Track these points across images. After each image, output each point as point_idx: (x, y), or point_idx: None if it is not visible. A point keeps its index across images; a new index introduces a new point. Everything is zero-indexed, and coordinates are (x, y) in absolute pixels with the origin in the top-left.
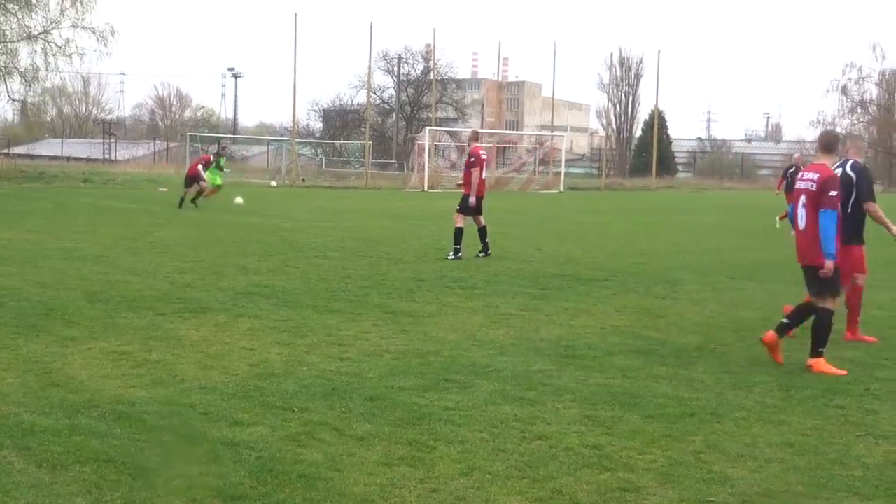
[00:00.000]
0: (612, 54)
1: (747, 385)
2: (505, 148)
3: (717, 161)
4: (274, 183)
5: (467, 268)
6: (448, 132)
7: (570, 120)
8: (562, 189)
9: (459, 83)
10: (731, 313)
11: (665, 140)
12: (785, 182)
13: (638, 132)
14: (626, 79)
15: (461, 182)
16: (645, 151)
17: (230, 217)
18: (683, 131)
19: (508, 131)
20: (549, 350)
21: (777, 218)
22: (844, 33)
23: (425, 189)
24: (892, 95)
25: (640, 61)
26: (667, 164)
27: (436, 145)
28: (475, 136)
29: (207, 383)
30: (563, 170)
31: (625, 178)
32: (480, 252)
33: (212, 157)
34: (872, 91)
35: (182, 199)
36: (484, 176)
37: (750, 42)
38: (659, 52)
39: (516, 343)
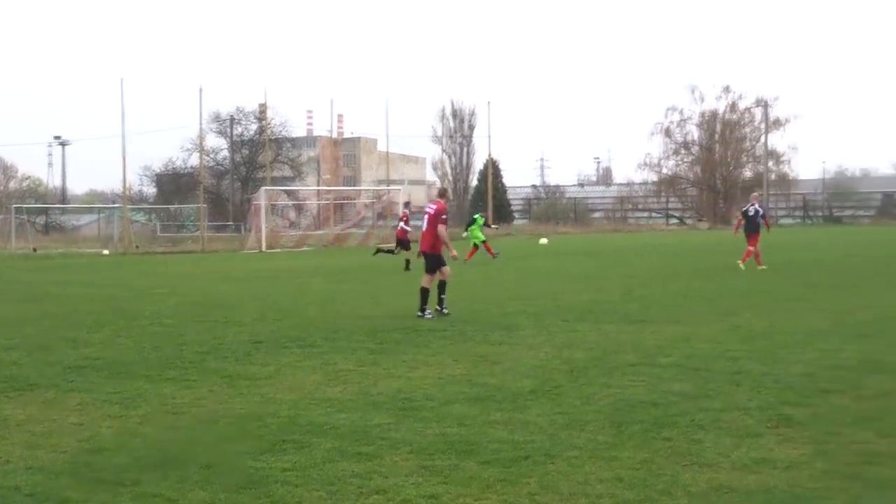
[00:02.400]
0: (444, 107)
1: (580, 424)
2: (343, 204)
3: (551, 207)
4: (106, 251)
5: (305, 326)
6: (285, 191)
7: (406, 173)
8: None
9: (294, 141)
10: (564, 354)
11: (501, 188)
12: (743, 223)
13: (474, 182)
14: (459, 130)
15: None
16: (481, 201)
17: (60, 289)
18: (518, 179)
19: (346, 187)
20: (387, 403)
21: (739, 262)
22: (665, 78)
23: (263, 249)
24: (713, 135)
25: (473, 112)
26: (503, 211)
27: (273, 205)
28: (441, 193)
29: (34, 463)
30: (401, 223)
31: (463, 229)
32: (437, 308)
33: None
34: (694, 132)
35: None
36: (422, 230)
37: (578, 90)
38: (489, 103)
39: (354, 399)
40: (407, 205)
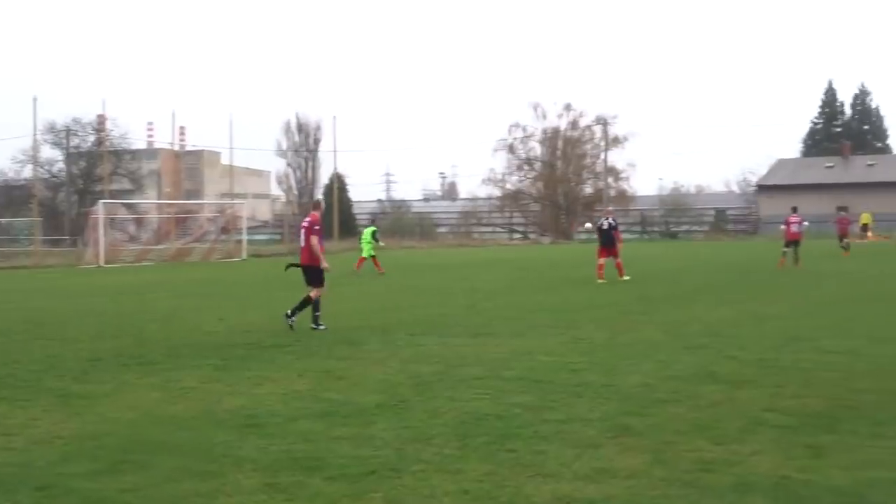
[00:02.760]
0: (289, 120)
1: (426, 438)
2: (185, 218)
3: (397, 221)
4: None
5: (146, 343)
6: (124, 204)
7: (250, 187)
8: (244, 256)
9: (134, 154)
10: (410, 369)
11: (346, 203)
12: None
13: (320, 196)
14: (304, 144)
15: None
16: (327, 215)
17: None
18: (364, 194)
19: (188, 201)
20: (231, 420)
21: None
22: (509, 95)
23: (102, 264)
24: (555, 152)
25: (318, 126)
26: (349, 226)
27: (111, 218)
28: (315, 205)
29: None
30: (244, 237)
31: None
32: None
33: None
34: (537, 149)
35: None
36: (300, 244)
37: (423, 105)
38: (335, 117)
39: (197, 416)
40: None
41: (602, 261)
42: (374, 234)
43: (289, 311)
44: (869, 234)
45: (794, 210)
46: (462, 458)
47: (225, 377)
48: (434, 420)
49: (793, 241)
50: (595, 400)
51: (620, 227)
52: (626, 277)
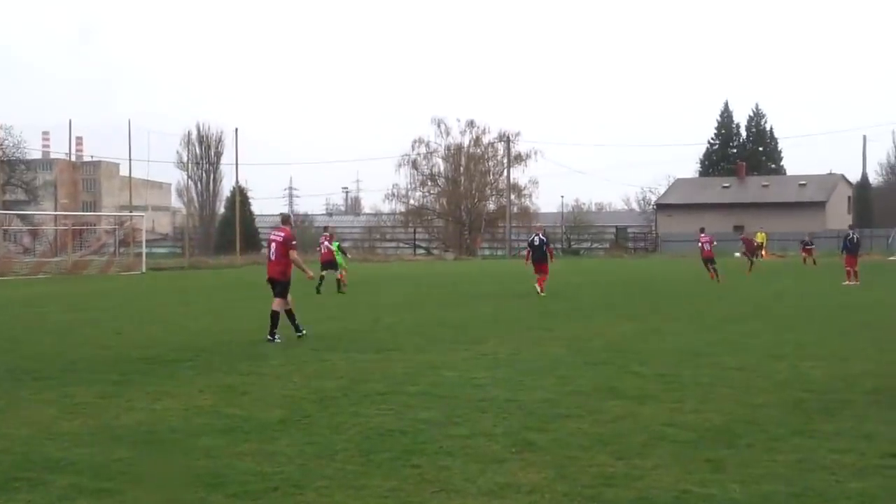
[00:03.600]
0: (189, 132)
1: (329, 453)
2: (83, 230)
3: (300, 235)
4: None
5: (41, 357)
6: (18, 215)
7: (150, 199)
8: (144, 270)
9: (29, 164)
10: (314, 384)
11: (249, 216)
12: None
13: (221, 209)
14: (206, 157)
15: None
16: (229, 228)
17: None
18: (267, 207)
19: (85, 213)
20: (130, 437)
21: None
22: (413, 110)
23: None
24: (458, 168)
25: (220, 139)
26: (252, 240)
27: (5, 230)
28: (284, 220)
29: None
30: (144, 250)
31: (210, 256)
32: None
33: None
34: (440, 164)
35: None
36: (270, 257)
37: (328, 119)
38: (236, 129)
39: (94, 433)
40: (326, 228)
41: (545, 275)
42: (339, 247)
43: (268, 336)
44: (763, 252)
45: (702, 230)
46: (366, 473)
47: (123, 392)
48: (338, 436)
49: (707, 259)
50: (499, 415)
51: (522, 245)
52: (543, 294)
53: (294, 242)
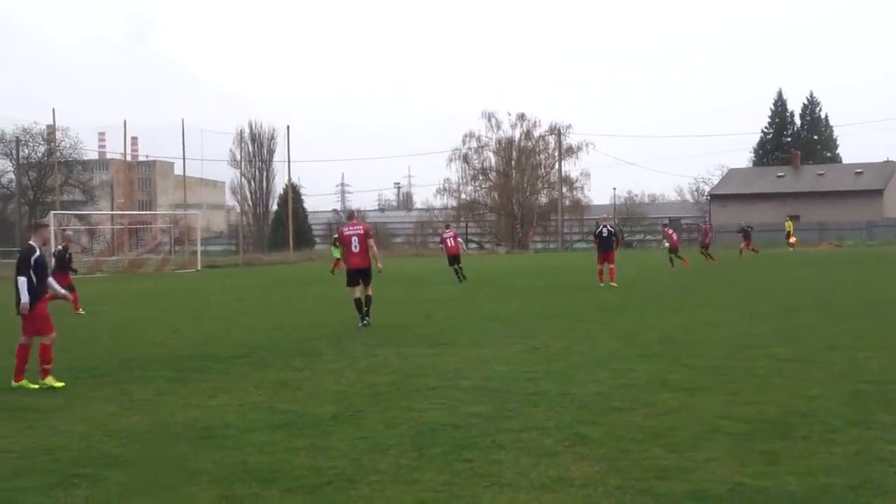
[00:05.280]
0: (242, 130)
1: (382, 448)
2: (139, 229)
3: None
4: None
5: (99, 355)
6: (76, 215)
7: (204, 197)
8: (199, 268)
9: (86, 164)
10: (366, 379)
11: (301, 213)
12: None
13: (274, 207)
14: (258, 154)
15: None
16: (282, 225)
17: None
18: (319, 204)
19: (141, 212)
20: (185, 433)
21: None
22: (463, 105)
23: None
24: (509, 162)
25: (272, 136)
26: (304, 236)
27: (63, 230)
28: (350, 215)
29: None
30: (199, 248)
31: (263, 254)
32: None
33: None
34: (491, 158)
35: None
36: (354, 250)
37: (378, 115)
38: (288, 127)
39: (151, 429)
40: (448, 226)
41: (601, 266)
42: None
43: (362, 321)
44: (793, 240)
45: (666, 225)
46: (418, 468)
47: (179, 389)
48: (390, 430)
49: (673, 250)
50: (551, 409)
51: (575, 237)
52: (615, 284)
53: (372, 234)
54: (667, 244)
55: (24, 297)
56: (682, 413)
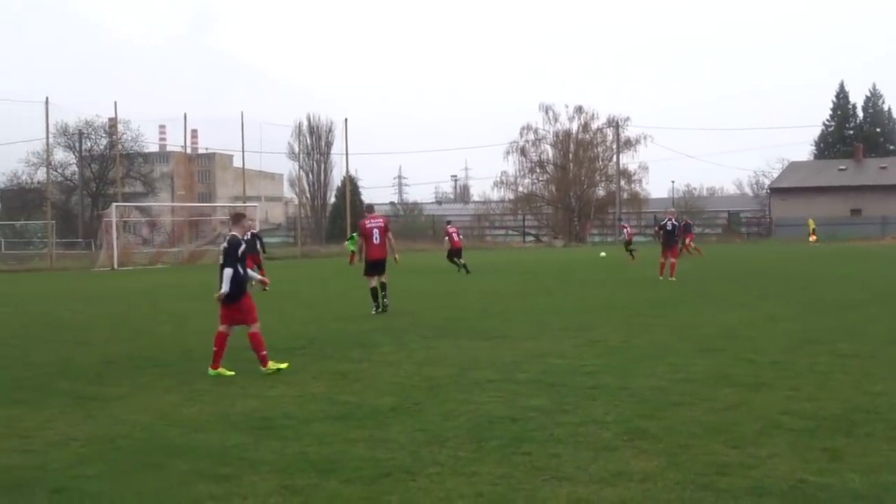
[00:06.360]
0: (300, 122)
1: (440, 440)
2: (198, 221)
3: (410, 224)
4: None
5: (160, 346)
6: (137, 207)
7: (263, 190)
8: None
9: (147, 157)
10: (424, 371)
11: (359, 205)
12: (662, 235)
13: (332, 199)
14: (316, 147)
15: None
16: (340, 218)
17: None
18: (377, 196)
19: (201, 204)
20: (245, 423)
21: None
22: (520, 97)
23: (115, 267)
24: (567, 155)
25: (330, 129)
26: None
27: (125, 221)
28: (369, 209)
29: None
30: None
31: (321, 245)
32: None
33: None
34: (548, 151)
35: None
36: (375, 242)
37: (435, 107)
38: (346, 119)
39: (212, 419)
40: (450, 223)
41: (663, 260)
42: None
43: (377, 308)
44: (812, 238)
45: (620, 219)
46: (477, 460)
47: (238, 380)
48: (448, 423)
49: (627, 243)
50: (610, 403)
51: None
52: (673, 279)
53: (389, 227)
54: (623, 238)
55: (226, 287)
56: (743, 408)
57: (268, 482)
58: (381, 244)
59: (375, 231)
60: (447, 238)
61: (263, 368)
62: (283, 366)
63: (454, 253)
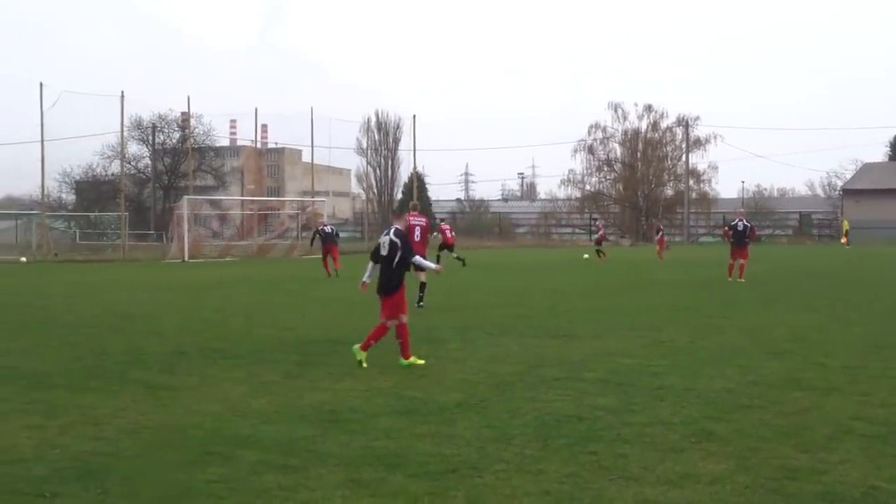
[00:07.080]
0: (369, 119)
1: (507, 438)
2: (267, 215)
3: (476, 221)
4: (24, 259)
5: (230, 338)
6: (208, 200)
7: (331, 185)
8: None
9: (218, 151)
10: (490, 368)
11: (425, 202)
12: (731, 235)
13: (399, 195)
14: (384, 143)
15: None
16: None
17: None
18: (443, 193)
19: (270, 198)
20: (313, 416)
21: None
22: (589, 95)
23: (186, 259)
24: (635, 154)
25: (398, 125)
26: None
27: (196, 214)
28: (414, 207)
29: None
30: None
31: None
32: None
33: None
34: (616, 150)
35: None
36: (416, 239)
37: (503, 104)
38: (414, 116)
39: (280, 411)
40: (443, 220)
41: (732, 261)
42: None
43: (418, 303)
44: (843, 240)
45: (595, 219)
46: (543, 458)
47: (307, 373)
48: (515, 420)
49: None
50: (677, 404)
51: (701, 230)
52: (742, 280)
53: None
54: (595, 237)
55: (436, 265)
56: (814, 413)
57: (335, 475)
58: (421, 242)
59: (417, 229)
60: (441, 233)
61: (404, 361)
62: (421, 362)
63: (445, 247)
